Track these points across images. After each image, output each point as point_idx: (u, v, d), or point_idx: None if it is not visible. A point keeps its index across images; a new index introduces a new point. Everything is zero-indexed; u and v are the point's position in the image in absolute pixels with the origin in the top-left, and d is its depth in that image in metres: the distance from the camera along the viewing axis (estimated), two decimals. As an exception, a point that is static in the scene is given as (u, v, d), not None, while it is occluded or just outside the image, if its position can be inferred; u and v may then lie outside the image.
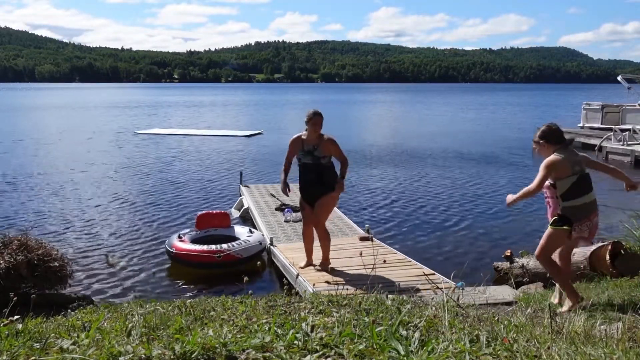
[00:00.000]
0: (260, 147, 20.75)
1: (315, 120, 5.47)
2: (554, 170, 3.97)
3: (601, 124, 20.73)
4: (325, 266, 5.86)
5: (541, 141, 4.11)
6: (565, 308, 4.06)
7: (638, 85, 24.28)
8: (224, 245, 6.83)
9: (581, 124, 22.30)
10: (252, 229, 7.82)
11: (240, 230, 7.68)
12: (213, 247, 6.80)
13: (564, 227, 3.99)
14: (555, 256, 4.22)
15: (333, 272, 5.78)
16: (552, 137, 4.08)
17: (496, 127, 30.50)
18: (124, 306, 2.66)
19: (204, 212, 8.04)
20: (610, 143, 17.65)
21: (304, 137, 5.61)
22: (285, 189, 5.74)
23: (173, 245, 7.01)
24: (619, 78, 23.04)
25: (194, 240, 7.25)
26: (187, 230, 7.67)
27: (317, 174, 5.57)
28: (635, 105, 20.55)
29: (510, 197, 4.26)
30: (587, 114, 22.13)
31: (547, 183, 4.06)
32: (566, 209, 3.99)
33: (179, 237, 7.25)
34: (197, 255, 6.70)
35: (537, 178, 3.99)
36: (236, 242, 7.02)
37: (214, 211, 8.12)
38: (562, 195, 3.99)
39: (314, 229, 5.83)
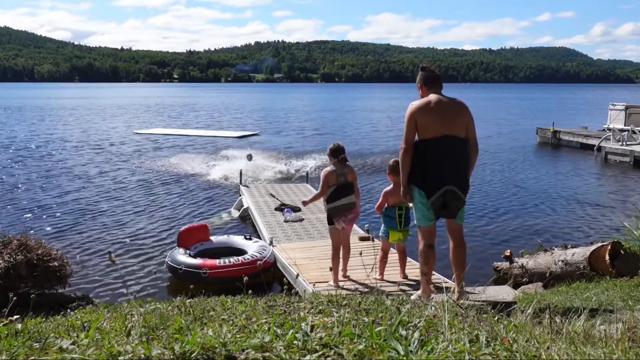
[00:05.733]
0: (261, 147, 20.74)
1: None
2: (327, 179, 5.09)
3: (625, 125, 19.57)
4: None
5: (327, 154, 5.27)
6: (331, 281, 5.35)
7: None
8: (253, 254, 6.69)
9: (607, 125, 20.96)
10: (248, 235, 7.66)
11: (237, 240, 7.45)
12: (247, 257, 6.61)
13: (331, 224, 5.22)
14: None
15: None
16: (332, 152, 5.21)
17: (506, 125, 30.50)
18: (123, 306, 2.65)
19: (186, 227, 7.43)
20: (609, 143, 17.55)
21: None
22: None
23: (203, 265, 6.41)
24: None
25: (204, 257, 6.78)
26: (182, 250, 6.93)
27: None
28: None
29: (304, 200, 5.53)
30: (611, 114, 21.08)
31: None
32: (328, 209, 5.17)
33: (192, 256, 6.70)
34: (236, 270, 6.18)
35: (320, 184, 5.16)
36: (257, 248, 6.89)
37: (196, 225, 7.63)
38: (327, 199, 5.15)
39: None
